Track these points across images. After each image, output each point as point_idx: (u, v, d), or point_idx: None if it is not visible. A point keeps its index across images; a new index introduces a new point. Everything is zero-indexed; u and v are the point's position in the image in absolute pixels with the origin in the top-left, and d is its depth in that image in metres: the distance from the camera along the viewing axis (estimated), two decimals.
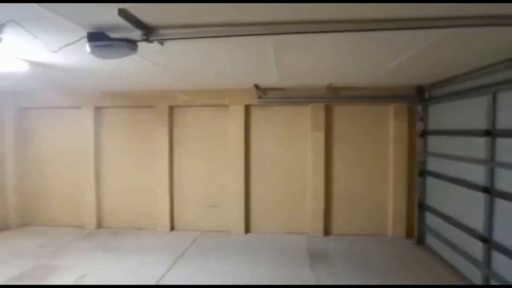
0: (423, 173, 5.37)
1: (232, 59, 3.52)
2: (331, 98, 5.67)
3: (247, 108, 5.98)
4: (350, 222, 5.87)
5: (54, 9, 2.08)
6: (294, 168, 5.98)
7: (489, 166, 3.67)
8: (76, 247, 5.33)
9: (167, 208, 6.16)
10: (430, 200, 5.22)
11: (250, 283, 4.04)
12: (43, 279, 4.18)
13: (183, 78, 4.68)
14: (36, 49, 2.94)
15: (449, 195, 4.61)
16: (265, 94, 5.76)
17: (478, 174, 3.88)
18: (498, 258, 3.56)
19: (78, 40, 2.42)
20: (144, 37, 2.35)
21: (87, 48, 2.36)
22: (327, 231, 5.89)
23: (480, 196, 3.80)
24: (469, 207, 4.08)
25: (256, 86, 5.49)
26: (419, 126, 5.41)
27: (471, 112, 4.10)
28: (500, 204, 3.53)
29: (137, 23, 2.23)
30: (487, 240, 3.69)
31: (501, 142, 3.55)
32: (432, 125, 5.20)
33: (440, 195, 4.87)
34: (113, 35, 2.41)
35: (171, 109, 6.15)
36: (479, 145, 3.85)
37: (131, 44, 2.44)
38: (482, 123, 3.82)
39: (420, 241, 5.41)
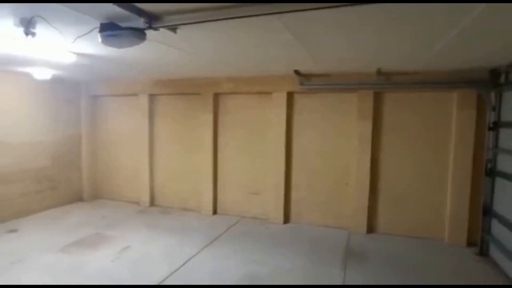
0: (492, 172, 4.53)
1: (251, 44, 3.40)
2: (381, 84, 5.11)
3: (290, 96, 5.78)
4: (398, 221, 5.32)
5: (69, 4, 2.25)
6: (338, 159, 5.62)
7: None
8: (129, 221, 5.92)
9: (210, 192, 6.40)
10: (499, 206, 4.39)
11: (269, 275, 3.97)
12: (95, 245, 4.76)
13: (214, 65, 4.70)
14: (77, 42, 3.26)
15: None
16: (309, 80, 5.48)
17: None
18: None
19: (91, 31, 2.60)
20: (147, 25, 2.40)
21: (99, 38, 2.52)
22: (370, 229, 5.44)
23: None
24: None
25: (298, 72, 5.25)
26: (490, 117, 4.55)
27: None
28: None
29: (138, 11, 2.28)
30: None
31: None
32: (507, 116, 4.32)
33: None
34: (123, 24, 2.52)
35: (216, 96, 6.29)
36: None
37: (138, 33, 2.52)
38: None
39: (483, 252, 4.62)
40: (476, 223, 4.79)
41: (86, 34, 2.70)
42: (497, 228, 4.37)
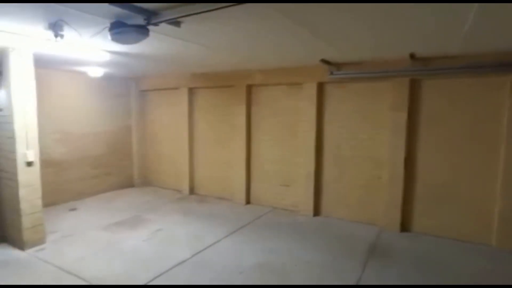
0: None
1: (263, 34, 3.40)
2: (418, 71, 4.67)
3: (320, 86, 5.61)
4: (437, 221, 4.87)
5: (82, 8, 2.54)
6: (370, 152, 5.32)
7: None
8: (167, 207, 6.39)
9: (243, 182, 6.56)
10: None
11: (282, 266, 3.97)
12: (133, 226, 5.26)
13: (235, 58, 4.79)
14: (109, 43, 3.62)
15: None
16: (339, 70, 5.26)
17: None
18: None
19: (102, 30, 2.87)
20: (146, 21, 2.57)
21: (108, 36, 2.77)
22: (405, 227, 5.07)
23: None
24: None
25: (327, 62, 5.07)
26: None
27: None
28: None
29: (135, 9, 2.47)
30: None
31: None
32: None
33: None
34: (129, 23, 2.73)
35: (249, 88, 6.38)
36: None
37: (141, 29, 2.71)
38: None
39: None
40: None
41: (98, 33, 2.99)
42: None
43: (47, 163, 6.22)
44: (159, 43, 3.76)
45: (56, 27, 2.95)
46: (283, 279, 3.65)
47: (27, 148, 4.29)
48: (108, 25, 2.78)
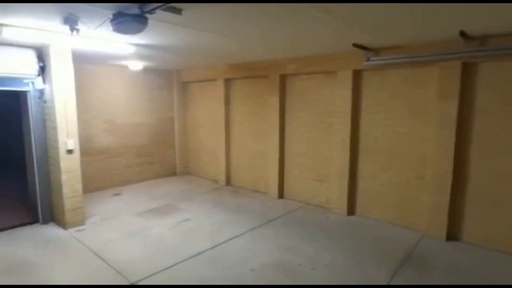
0: None
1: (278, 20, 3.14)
2: (474, 52, 3.92)
3: (356, 74, 5.10)
4: (491, 230, 4.12)
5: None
6: (412, 147, 4.70)
7: None
8: (201, 197, 6.50)
9: (276, 176, 6.36)
10: None
11: (298, 266, 3.71)
12: (164, 214, 5.45)
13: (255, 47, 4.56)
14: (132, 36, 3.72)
15: None
16: (377, 55, 4.70)
17: None
18: None
19: (104, 21, 2.90)
20: (139, 10, 2.52)
21: (110, 27, 2.79)
22: (452, 235, 4.39)
23: None
24: None
25: (363, 47, 4.57)
26: None
27: None
28: None
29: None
30: None
31: None
32: None
33: None
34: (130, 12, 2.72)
35: (282, 78, 6.10)
36: None
37: (139, 18, 2.67)
38: None
39: None
40: None
41: (101, 24, 3.04)
42: None
43: (97, 151, 6.78)
44: (176, 34, 3.73)
45: (70, 22, 3.08)
46: (293, 281, 3.41)
47: (67, 137, 4.67)
48: (111, 16, 2.80)
